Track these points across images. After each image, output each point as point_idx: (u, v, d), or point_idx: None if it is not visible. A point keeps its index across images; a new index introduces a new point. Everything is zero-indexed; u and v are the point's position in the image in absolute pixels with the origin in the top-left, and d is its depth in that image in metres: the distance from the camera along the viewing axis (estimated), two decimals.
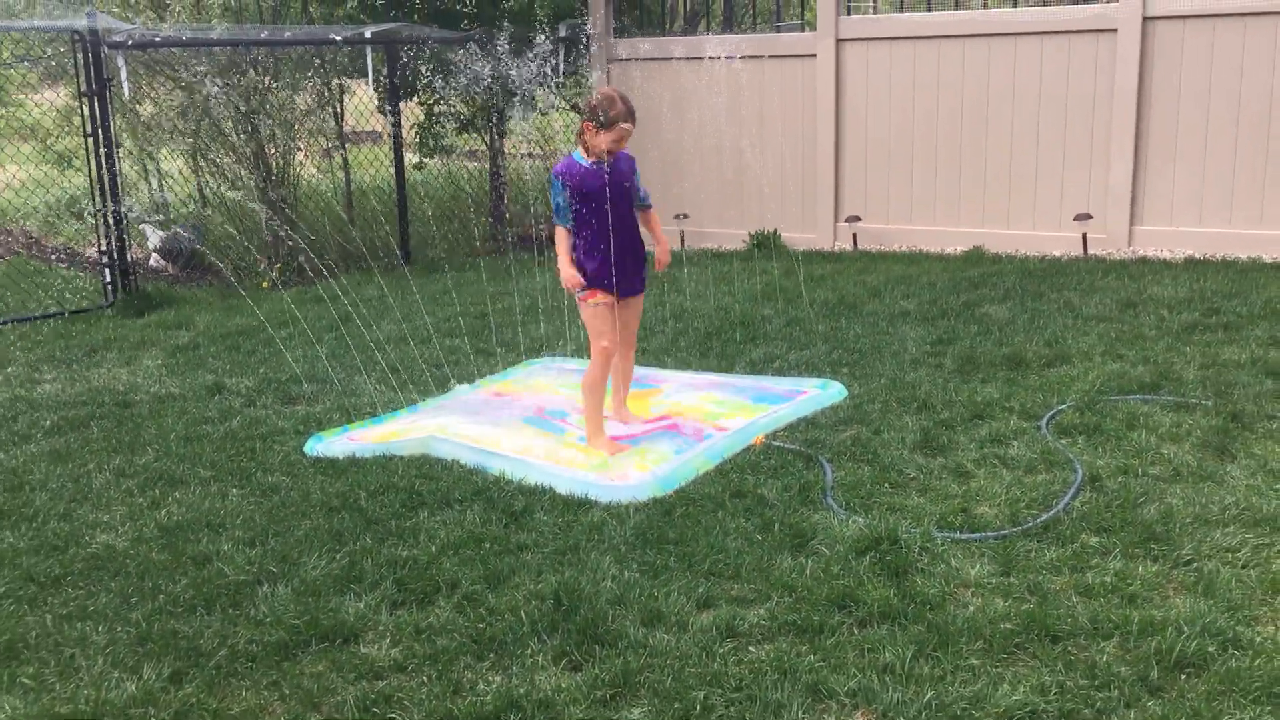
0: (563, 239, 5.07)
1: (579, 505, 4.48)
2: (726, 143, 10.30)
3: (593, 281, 5.06)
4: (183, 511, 4.58)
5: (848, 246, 9.92)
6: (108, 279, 8.94)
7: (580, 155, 5.05)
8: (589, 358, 5.22)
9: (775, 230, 10.12)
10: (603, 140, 4.93)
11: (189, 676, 3.39)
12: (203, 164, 10.13)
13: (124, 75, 8.78)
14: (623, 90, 10.50)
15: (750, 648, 3.40)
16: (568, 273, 5.04)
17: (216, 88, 9.24)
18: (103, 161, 8.67)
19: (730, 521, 4.22)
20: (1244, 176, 8.57)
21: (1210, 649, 3.23)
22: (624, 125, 4.92)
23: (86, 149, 8.77)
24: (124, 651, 3.53)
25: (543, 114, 10.72)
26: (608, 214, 5.03)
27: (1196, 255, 8.57)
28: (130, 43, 8.78)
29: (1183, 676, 3.15)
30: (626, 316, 5.27)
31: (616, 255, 5.07)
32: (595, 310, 5.08)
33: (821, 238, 10.08)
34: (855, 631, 3.46)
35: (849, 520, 4.18)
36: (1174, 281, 7.65)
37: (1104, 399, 5.37)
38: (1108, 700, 3.05)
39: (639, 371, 6.38)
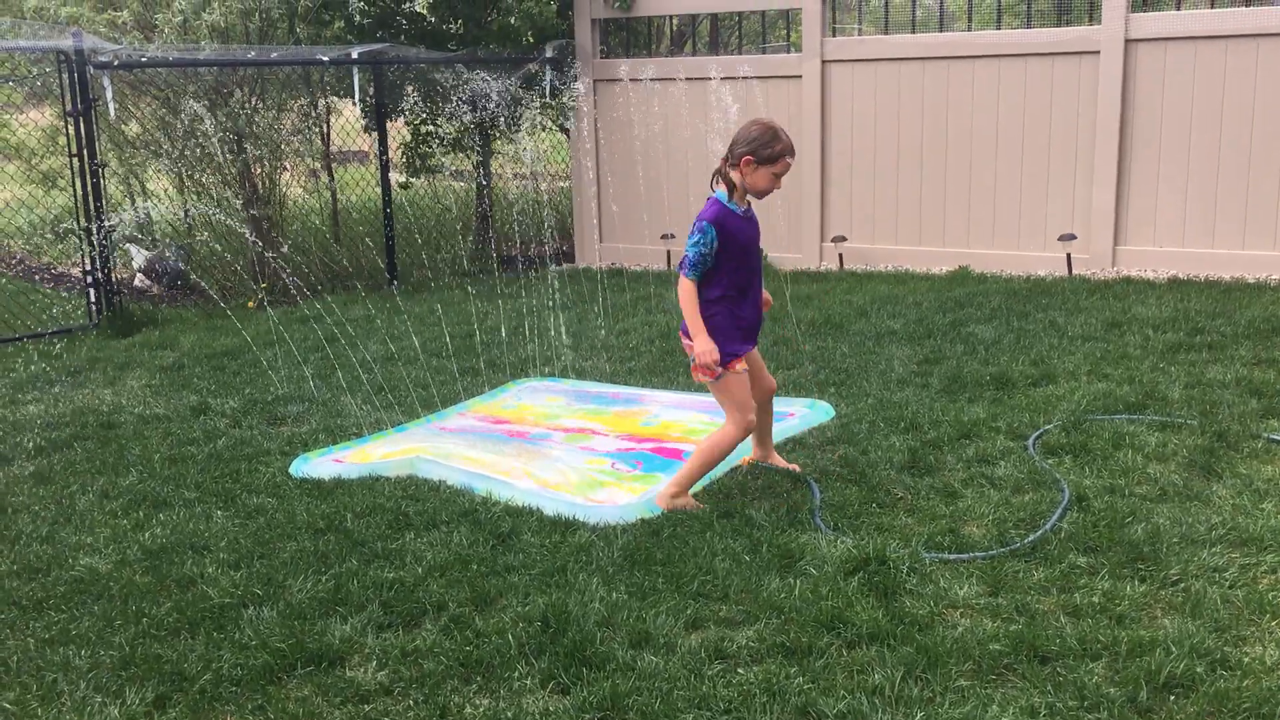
0: (693, 298, 4.34)
1: (566, 526, 4.47)
2: (713, 163, 10.29)
3: (731, 348, 4.39)
4: (167, 533, 4.55)
5: (834, 266, 9.94)
6: (92, 299, 8.90)
7: (725, 197, 4.43)
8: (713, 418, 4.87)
9: (762, 250, 10.12)
10: (761, 178, 4.37)
11: (173, 701, 3.36)
12: (188, 184, 10.11)
13: (109, 95, 8.76)
14: (605, 110, 10.54)
15: (739, 669, 3.38)
16: (707, 347, 4.32)
17: (203, 108, 9.24)
18: (87, 181, 8.65)
19: (718, 542, 4.21)
20: (1226, 197, 8.63)
21: (1199, 669, 3.23)
22: (788, 160, 4.39)
23: (71, 169, 8.75)
24: (107, 676, 3.50)
25: (530, 135, 10.74)
26: (756, 269, 4.52)
27: (1180, 275, 8.62)
28: (116, 63, 8.77)
29: (1171, 697, 3.14)
30: (756, 367, 4.70)
31: (755, 312, 4.56)
32: (737, 379, 4.43)
33: (808, 258, 10.10)
34: (844, 653, 3.45)
35: (837, 541, 4.17)
36: (1158, 301, 7.69)
37: (1090, 418, 5.39)
38: None
39: (626, 391, 6.39)
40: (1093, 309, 7.60)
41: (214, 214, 9.80)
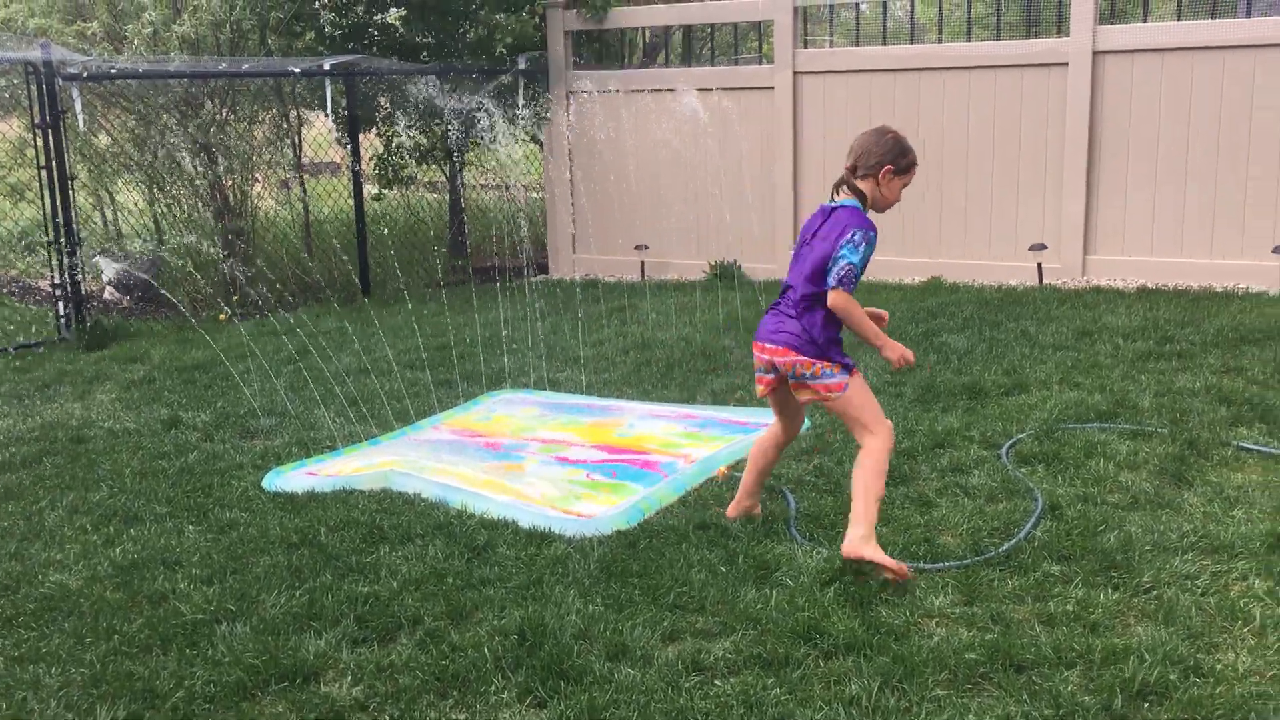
0: (858, 309, 4.07)
1: (542, 539, 4.45)
2: (686, 174, 10.36)
3: (848, 358, 4.14)
4: (138, 549, 4.50)
5: None
6: (62, 312, 8.81)
7: (861, 207, 4.12)
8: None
9: (735, 261, 10.17)
10: (895, 189, 4.12)
11: (144, 719, 3.32)
12: (159, 196, 10.04)
13: (79, 107, 8.69)
14: (578, 122, 10.54)
15: (716, 681, 3.38)
16: (899, 350, 4.11)
17: (173, 119, 9.18)
18: (57, 194, 8.57)
19: (694, 554, 4.21)
20: (1194, 207, 8.73)
21: (1172, 677, 3.25)
22: (915, 169, 4.20)
23: (40, 181, 8.67)
24: (78, 694, 3.45)
25: (504, 146, 10.73)
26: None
27: (1149, 284, 8.70)
28: (85, 75, 8.71)
29: (1145, 705, 3.16)
30: (796, 406, 4.38)
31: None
32: (859, 388, 4.11)
33: (781, 268, 10.11)
34: (821, 663, 3.46)
35: (813, 551, 4.18)
36: (1128, 310, 7.76)
37: (1062, 427, 5.42)
38: None
39: (601, 402, 6.39)
40: (1064, 318, 7.66)
41: (185, 227, 9.73)
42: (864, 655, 3.46)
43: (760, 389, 4.31)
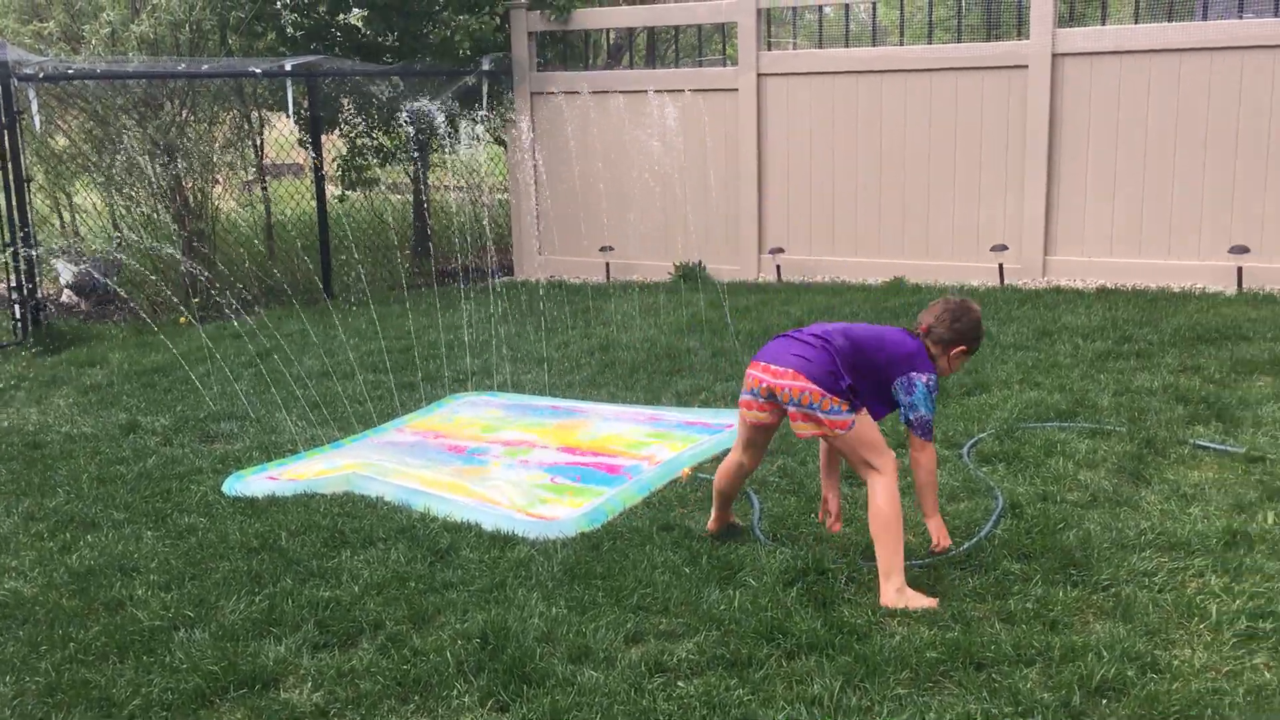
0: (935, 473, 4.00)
1: (505, 541, 4.44)
2: (651, 175, 10.37)
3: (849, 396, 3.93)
4: (95, 555, 4.44)
5: (772, 278, 10.01)
6: (17, 316, 8.69)
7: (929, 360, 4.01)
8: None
9: (700, 262, 10.19)
10: (958, 365, 4.11)
11: None
12: (117, 198, 9.92)
13: (35, 108, 8.58)
14: (542, 123, 10.50)
15: (679, 682, 3.38)
16: (943, 531, 4.04)
17: (132, 120, 9.08)
18: (12, 196, 8.45)
19: (658, 555, 4.21)
20: (1152, 208, 8.83)
21: (1129, 673, 3.29)
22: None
23: None
24: (32, 703, 3.40)
25: (468, 147, 10.69)
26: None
27: (1108, 285, 8.79)
28: (42, 75, 8.60)
29: (1103, 701, 3.19)
30: (763, 443, 4.31)
31: None
32: (864, 423, 3.94)
33: (746, 269, 10.16)
34: (784, 663, 3.46)
35: (776, 551, 4.19)
36: (1087, 310, 7.83)
37: (1022, 426, 5.47)
38: None
39: (567, 404, 6.37)
40: (1024, 318, 7.72)
41: (144, 230, 9.63)
42: (826, 655, 3.47)
43: (745, 413, 4.10)
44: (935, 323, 4.04)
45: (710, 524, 4.44)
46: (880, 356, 3.99)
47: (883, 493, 3.88)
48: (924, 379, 3.93)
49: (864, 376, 3.96)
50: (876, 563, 3.87)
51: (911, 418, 3.95)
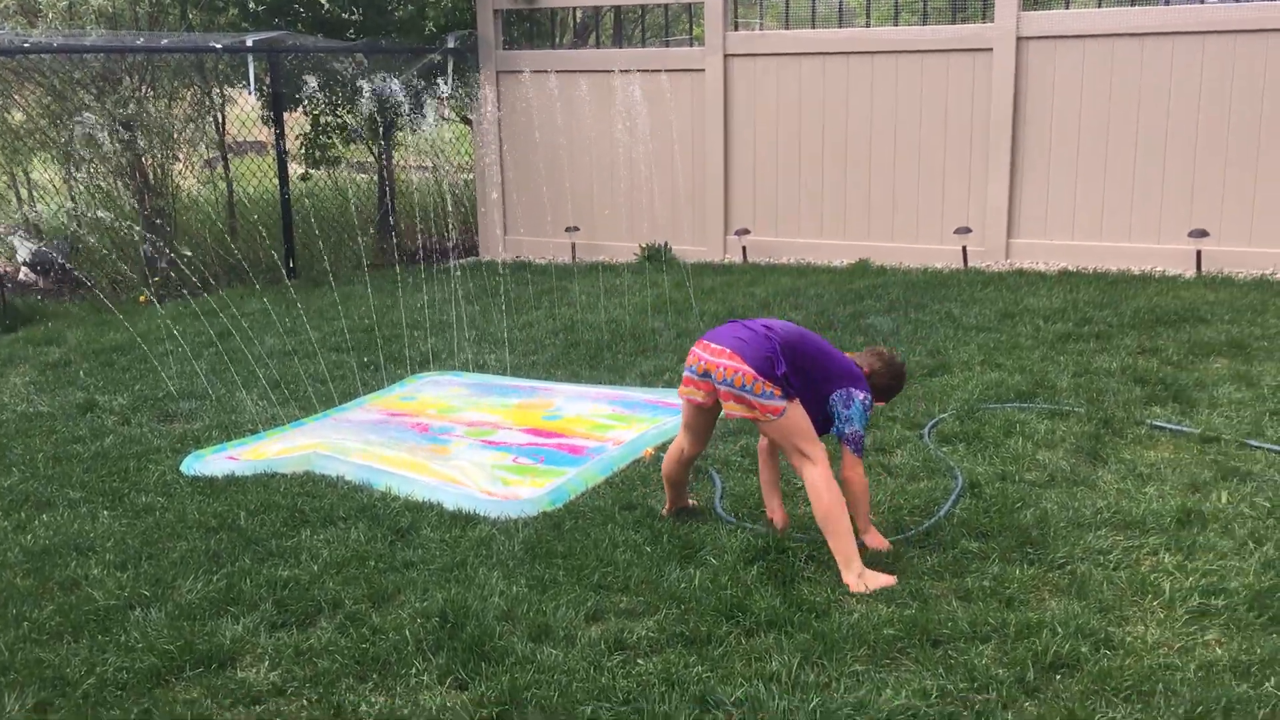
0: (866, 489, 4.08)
1: (467, 521, 4.43)
2: (617, 156, 10.33)
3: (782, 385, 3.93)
4: (50, 535, 4.39)
5: (737, 259, 10.02)
6: None
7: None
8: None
9: (666, 243, 10.18)
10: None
11: (55, 707, 3.24)
12: (76, 175, 9.77)
13: None
14: (507, 102, 10.40)
15: (639, 660, 3.39)
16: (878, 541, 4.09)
17: (90, 96, 8.93)
18: None
19: (620, 534, 4.21)
20: (1113, 191, 8.90)
21: (1083, 649, 3.33)
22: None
23: None
24: None
25: (433, 126, 10.60)
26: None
27: (1070, 267, 8.86)
28: None
29: (1057, 677, 3.23)
30: (707, 428, 4.30)
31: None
32: (799, 411, 3.95)
33: (712, 250, 10.16)
34: (743, 641, 3.48)
35: (737, 530, 4.20)
36: (1049, 293, 7.89)
37: (983, 407, 5.51)
38: (986, 702, 3.12)
39: (530, 383, 6.35)
40: (987, 300, 7.77)
41: (103, 206, 9.50)
42: (785, 632, 3.49)
43: (683, 390, 4.10)
44: (877, 371, 4.16)
45: (665, 508, 4.45)
46: (828, 364, 4.02)
47: (820, 481, 3.88)
48: (862, 397, 4.00)
49: (803, 377, 3.96)
50: (833, 554, 3.88)
51: (846, 431, 3.98)
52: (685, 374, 4.09)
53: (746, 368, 3.87)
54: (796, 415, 3.92)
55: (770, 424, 3.92)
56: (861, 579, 3.80)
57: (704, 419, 4.19)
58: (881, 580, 3.81)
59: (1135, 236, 8.87)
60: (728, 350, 3.92)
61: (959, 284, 8.35)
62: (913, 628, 3.46)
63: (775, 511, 4.28)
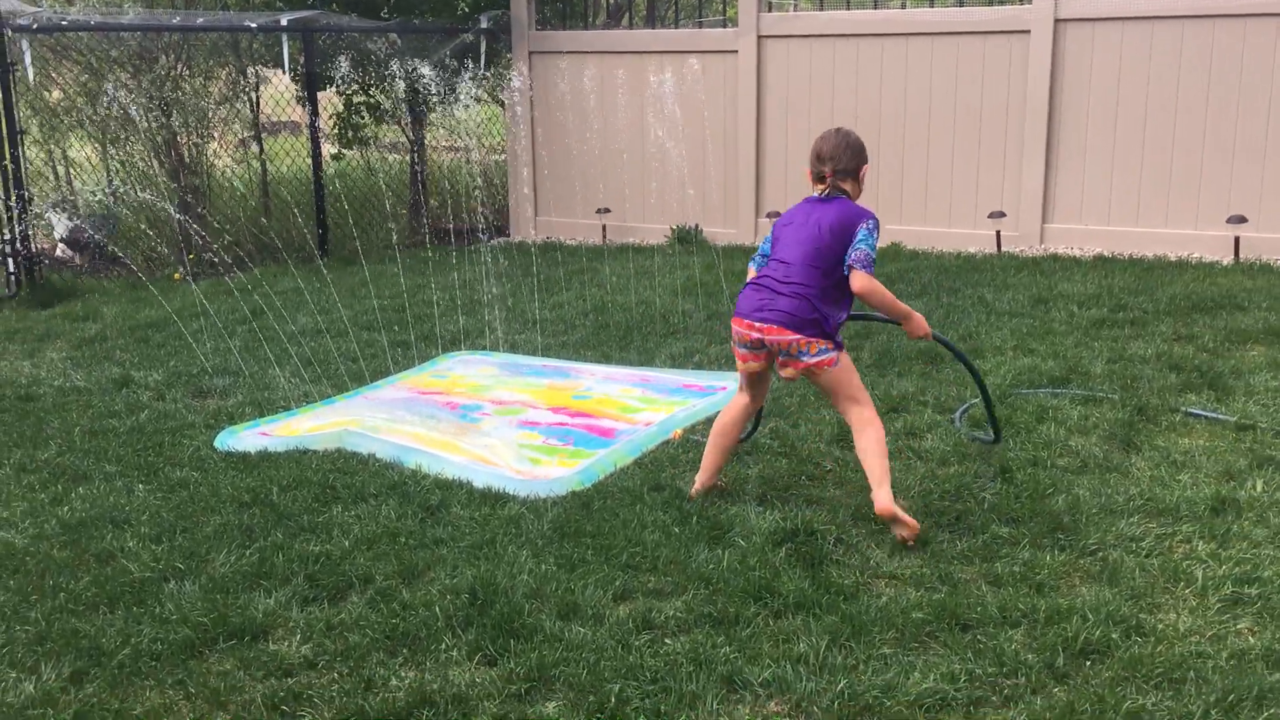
0: (881, 286, 4.17)
1: (496, 499, 4.45)
2: (649, 138, 10.31)
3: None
4: (86, 508, 4.45)
5: None
6: (11, 269, 8.65)
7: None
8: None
9: (697, 225, 10.15)
10: (864, 181, 4.33)
11: (90, 676, 3.29)
12: (113, 152, 9.86)
13: (28, 60, 8.50)
14: (540, 83, 10.40)
15: (666, 639, 3.40)
16: (920, 320, 4.29)
17: (127, 74, 9.00)
18: (6, 149, 8.39)
19: (648, 514, 4.22)
20: (1150, 176, 8.79)
21: (1114, 636, 3.31)
22: None
23: None
24: (22, 651, 3.42)
25: (465, 107, 10.61)
26: None
27: (1105, 253, 8.77)
28: (36, 26, 8.51)
29: (1087, 663, 3.21)
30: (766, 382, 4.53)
31: None
32: (848, 360, 4.21)
33: (743, 233, 10.13)
34: (771, 622, 3.48)
35: (765, 513, 4.20)
36: (1083, 278, 7.82)
37: (1015, 393, 5.47)
38: (1015, 687, 3.11)
39: (558, 364, 6.37)
40: (1020, 285, 7.71)
41: (139, 185, 9.57)
42: (813, 614, 3.49)
43: (742, 365, 4.28)
44: (835, 165, 4.21)
45: (695, 486, 4.41)
46: (843, 240, 4.13)
47: (869, 416, 4.13)
48: (870, 221, 4.17)
49: (832, 279, 4.13)
50: (868, 475, 4.06)
51: (853, 253, 4.10)
52: (739, 350, 4.27)
53: (795, 335, 4.09)
54: (847, 362, 4.18)
55: (826, 375, 4.14)
56: (894, 502, 3.95)
57: (763, 378, 4.40)
58: (908, 519, 3.95)
59: (1172, 222, 8.77)
60: (772, 325, 4.12)
61: (992, 269, 8.29)
62: (941, 612, 3.45)
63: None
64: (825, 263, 4.13)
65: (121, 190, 9.76)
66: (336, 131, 10.99)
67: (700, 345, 6.61)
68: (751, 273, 4.38)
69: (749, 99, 9.88)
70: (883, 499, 3.95)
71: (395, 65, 9.83)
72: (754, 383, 4.39)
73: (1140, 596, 3.55)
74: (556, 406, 5.63)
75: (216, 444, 5.16)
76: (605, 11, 12.87)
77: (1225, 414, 5.09)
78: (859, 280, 4.09)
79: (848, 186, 4.25)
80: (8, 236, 8.64)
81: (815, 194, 4.28)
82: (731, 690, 3.15)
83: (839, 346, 4.14)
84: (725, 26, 10.63)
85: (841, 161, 4.22)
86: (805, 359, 4.11)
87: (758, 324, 4.16)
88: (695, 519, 4.16)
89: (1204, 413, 5.11)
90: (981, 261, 8.62)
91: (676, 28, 11.59)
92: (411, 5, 10.59)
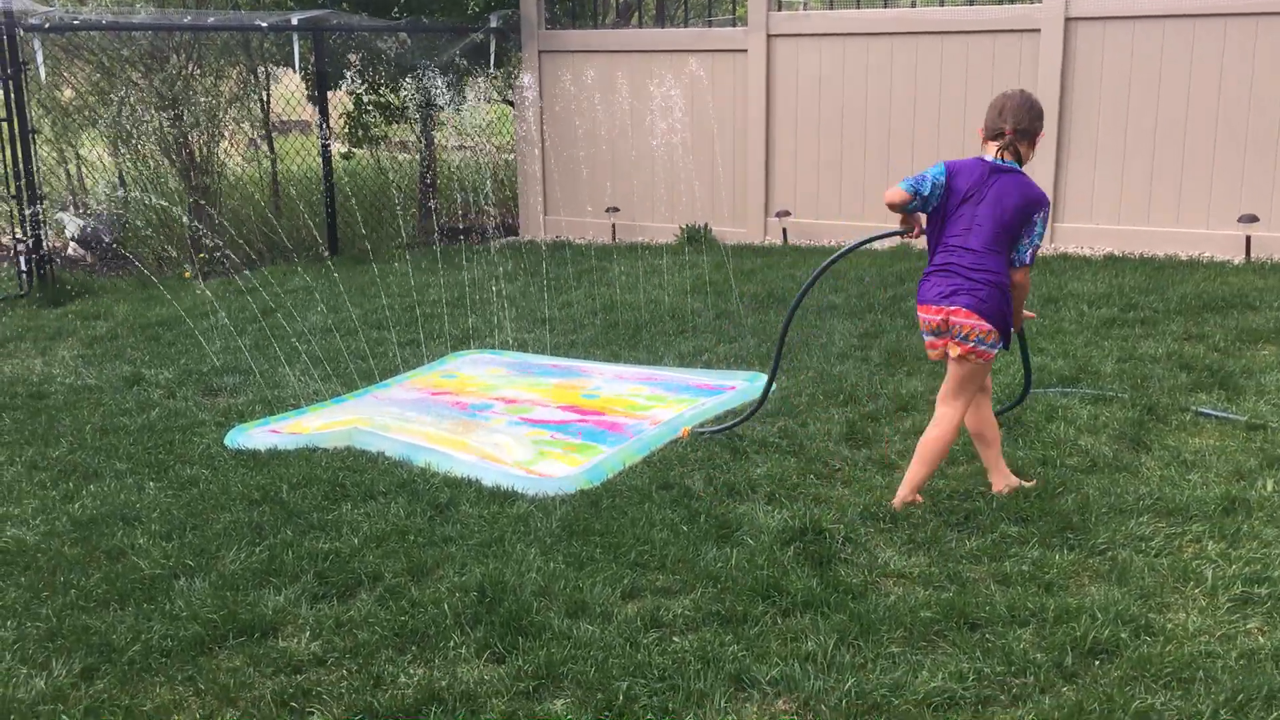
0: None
1: (505, 497, 4.45)
2: (658, 137, 10.31)
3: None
4: (97, 505, 4.47)
5: (778, 241, 9.98)
6: (23, 268, 8.69)
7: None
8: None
9: (706, 224, 10.15)
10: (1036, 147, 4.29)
11: (100, 672, 3.31)
12: (124, 151, 9.89)
13: (40, 59, 8.54)
14: (550, 82, 10.40)
15: (674, 638, 3.40)
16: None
17: (138, 73, 9.02)
18: (18, 148, 8.43)
19: (656, 513, 4.22)
20: (1161, 175, 8.77)
21: (1123, 635, 3.30)
22: None
23: (0, 135, 8.52)
24: (33, 647, 3.44)
25: (474, 107, 10.63)
26: None
27: (1116, 252, 8.75)
28: (48, 25, 8.55)
29: (1096, 662, 3.21)
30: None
31: None
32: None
33: (752, 232, 10.13)
34: (779, 621, 3.48)
35: (774, 511, 4.20)
36: (1094, 277, 7.80)
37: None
38: (1024, 686, 3.11)
39: (567, 363, 6.38)
40: (1030, 285, 7.67)
41: (149, 184, 9.60)
42: (821, 613, 3.49)
43: (933, 354, 4.27)
44: (1016, 124, 4.14)
45: (994, 488, 4.30)
46: (1017, 230, 4.11)
47: (953, 420, 4.20)
48: (1046, 211, 4.15)
49: (1006, 259, 4.16)
50: (911, 464, 4.24)
51: (1028, 248, 4.13)
52: (926, 338, 4.26)
53: (984, 323, 4.09)
54: (986, 366, 4.20)
55: (971, 365, 4.15)
56: (903, 499, 4.18)
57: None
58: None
59: (1183, 221, 8.74)
60: (963, 309, 4.10)
61: None
62: (950, 610, 3.45)
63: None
64: (1005, 247, 4.12)
65: (131, 191, 9.79)
66: (347, 130, 11.01)
67: (709, 344, 6.61)
68: (900, 193, 4.27)
69: (758, 98, 9.87)
70: (902, 493, 4.21)
71: (405, 65, 9.84)
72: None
73: (1149, 596, 3.55)
74: (566, 404, 5.64)
75: (227, 442, 5.18)
76: (615, 11, 12.87)
77: (1236, 413, 5.07)
78: (1023, 274, 4.16)
79: (1023, 149, 4.16)
80: (20, 236, 8.68)
81: (989, 155, 4.18)
82: (739, 688, 3.15)
83: (1003, 346, 4.17)
84: (735, 26, 10.62)
85: (1024, 122, 4.14)
86: (981, 347, 4.11)
87: (945, 307, 4.12)
88: (703, 518, 4.16)
89: (1214, 412, 5.09)
90: None
91: (686, 27, 11.59)
92: (422, 4, 10.60)
